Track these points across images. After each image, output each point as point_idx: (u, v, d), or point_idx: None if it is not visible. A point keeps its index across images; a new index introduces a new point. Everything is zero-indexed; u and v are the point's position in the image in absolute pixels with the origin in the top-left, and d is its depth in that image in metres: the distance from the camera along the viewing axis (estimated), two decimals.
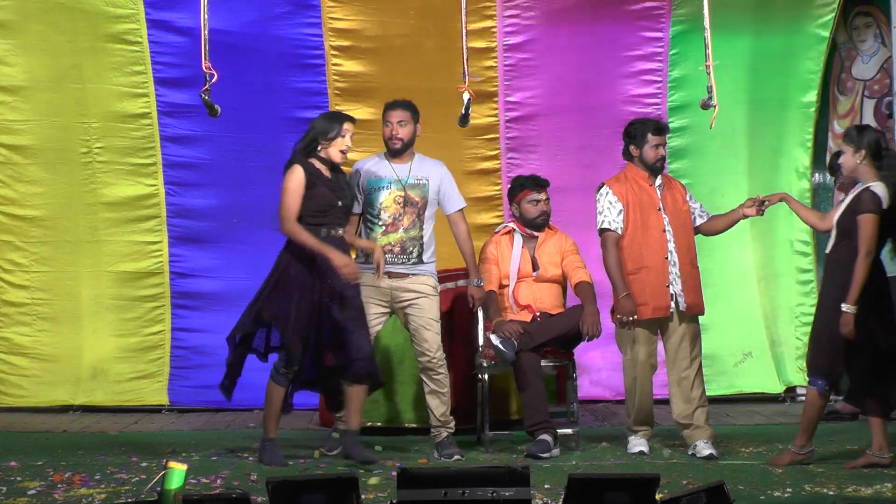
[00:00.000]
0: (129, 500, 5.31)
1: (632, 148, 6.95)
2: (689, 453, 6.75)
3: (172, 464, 4.60)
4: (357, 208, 6.85)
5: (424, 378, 6.88)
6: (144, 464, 6.39)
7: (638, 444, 6.92)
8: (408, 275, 6.82)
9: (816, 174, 8.97)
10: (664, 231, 6.83)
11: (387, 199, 6.84)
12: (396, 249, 6.81)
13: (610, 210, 6.87)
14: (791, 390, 8.95)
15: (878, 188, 6.29)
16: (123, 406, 8.64)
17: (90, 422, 8.25)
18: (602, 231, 6.89)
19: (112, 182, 8.63)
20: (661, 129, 7.00)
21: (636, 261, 6.82)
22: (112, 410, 8.57)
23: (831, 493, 5.45)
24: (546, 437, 6.78)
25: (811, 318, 8.93)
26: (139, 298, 8.71)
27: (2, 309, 8.66)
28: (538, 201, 7.21)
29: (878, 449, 6.37)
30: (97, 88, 8.51)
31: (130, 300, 8.70)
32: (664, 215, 6.85)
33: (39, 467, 6.28)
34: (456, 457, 6.76)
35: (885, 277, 6.46)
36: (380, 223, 6.83)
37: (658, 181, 6.93)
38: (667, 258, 6.82)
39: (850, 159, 6.38)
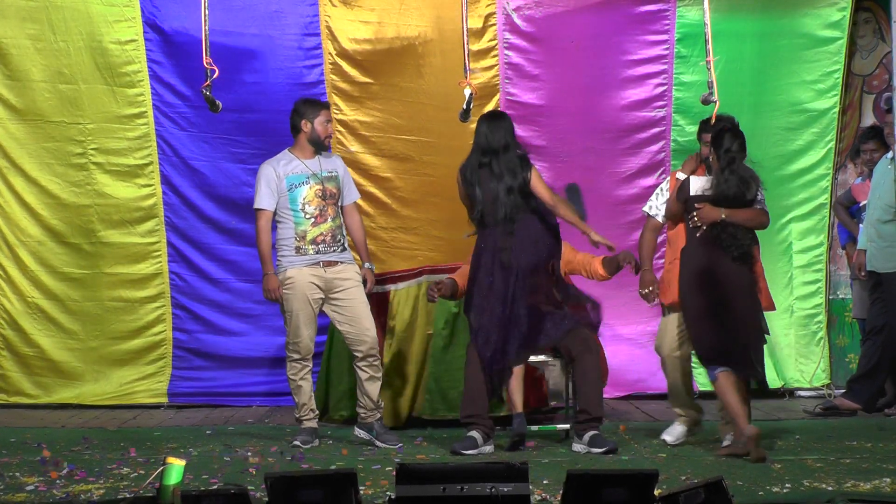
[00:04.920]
0: (128, 495, 5.31)
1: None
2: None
3: (171, 459, 4.60)
4: (273, 205, 6.98)
5: (363, 366, 7.00)
6: (143, 459, 6.40)
7: (668, 428, 6.97)
8: (338, 262, 7.02)
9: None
10: None
11: (308, 194, 6.99)
12: (328, 239, 7.00)
13: (658, 196, 7.06)
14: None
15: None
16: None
17: (88, 417, 8.25)
18: (644, 212, 7.12)
19: (108, 183, 8.61)
20: (707, 124, 6.97)
21: (674, 251, 6.90)
22: (111, 406, 8.57)
23: (830, 488, 5.45)
24: (474, 433, 6.79)
25: (810, 320, 9.00)
26: (140, 300, 8.70)
27: (2, 309, 8.66)
28: None
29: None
30: (91, 88, 8.49)
31: (131, 301, 8.69)
32: None
33: (38, 463, 6.28)
34: (399, 444, 6.94)
35: None
36: (306, 216, 6.97)
37: None
38: None
39: None
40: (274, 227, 7.05)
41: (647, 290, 6.93)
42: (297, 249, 6.96)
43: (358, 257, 7.33)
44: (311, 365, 7.04)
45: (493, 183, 6.74)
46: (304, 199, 6.97)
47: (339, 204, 7.07)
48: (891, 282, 7.95)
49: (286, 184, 6.98)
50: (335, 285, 6.99)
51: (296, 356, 6.98)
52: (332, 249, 6.99)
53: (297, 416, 7.07)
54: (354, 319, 7.00)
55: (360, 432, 7.04)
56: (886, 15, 8.37)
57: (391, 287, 7.76)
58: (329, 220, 6.99)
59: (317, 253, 6.96)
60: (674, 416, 7.03)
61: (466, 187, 6.83)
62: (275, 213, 7.01)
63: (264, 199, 6.99)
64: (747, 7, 8.70)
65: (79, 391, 8.64)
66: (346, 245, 7.07)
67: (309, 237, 6.96)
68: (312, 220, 6.97)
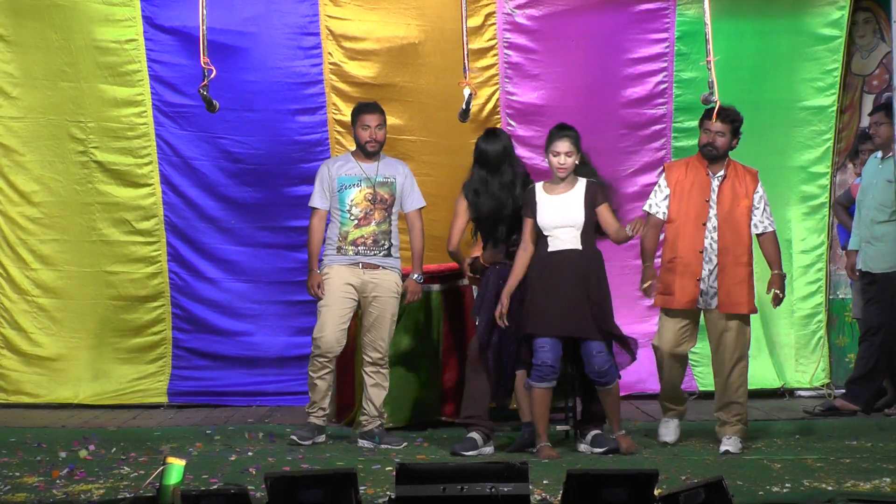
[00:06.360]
0: (128, 495, 5.31)
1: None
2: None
3: (171, 459, 4.60)
4: (325, 204, 7.07)
5: (370, 372, 7.06)
6: (143, 459, 6.39)
7: (663, 426, 7.02)
8: (378, 266, 7.04)
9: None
10: (704, 224, 6.79)
11: (357, 196, 7.04)
12: (369, 242, 7.03)
13: (656, 193, 7.00)
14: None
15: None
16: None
17: (89, 417, 8.25)
18: (644, 211, 7.02)
19: (109, 182, 8.61)
20: (709, 112, 6.91)
21: (672, 250, 6.88)
22: (111, 406, 8.57)
23: (830, 488, 5.45)
24: (475, 434, 6.81)
25: (810, 320, 9.00)
26: (139, 299, 8.70)
27: (2, 307, 8.66)
28: None
29: None
30: (92, 87, 8.49)
31: (130, 300, 8.69)
32: (712, 207, 6.80)
33: (38, 462, 6.28)
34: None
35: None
36: (351, 217, 7.03)
37: (721, 171, 6.87)
38: (702, 252, 6.80)
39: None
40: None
41: (647, 285, 6.90)
42: (339, 249, 7.04)
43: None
44: (332, 366, 7.05)
45: (490, 200, 6.88)
46: (351, 200, 7.04)
47: (394, 210, 7.11)
48: (886, 282, 7.94)
49: (337, 184, 7.06)
50: (370, 289, 7.04)
51: (317, 351, 7.00)
52: (372, 253, 7.04)
53: (307, 410, 7.11)
54: (375, 327, 7.05)
55: (363, 443, 7.03)
56: (886, 15, 8.37)
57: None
58: (373, 223, 7.04)
59: (356, 254, 7.03)
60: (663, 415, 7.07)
61: (468, 203, 6.96)
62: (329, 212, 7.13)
63: (316, 198, 7.12)
64: (747, 5, 8.70)
65: (79, 391, 8.64)
66: (391, 251, 7.09)
67: (350, 238, 7.03)
68: (356, 221, 7.03)
